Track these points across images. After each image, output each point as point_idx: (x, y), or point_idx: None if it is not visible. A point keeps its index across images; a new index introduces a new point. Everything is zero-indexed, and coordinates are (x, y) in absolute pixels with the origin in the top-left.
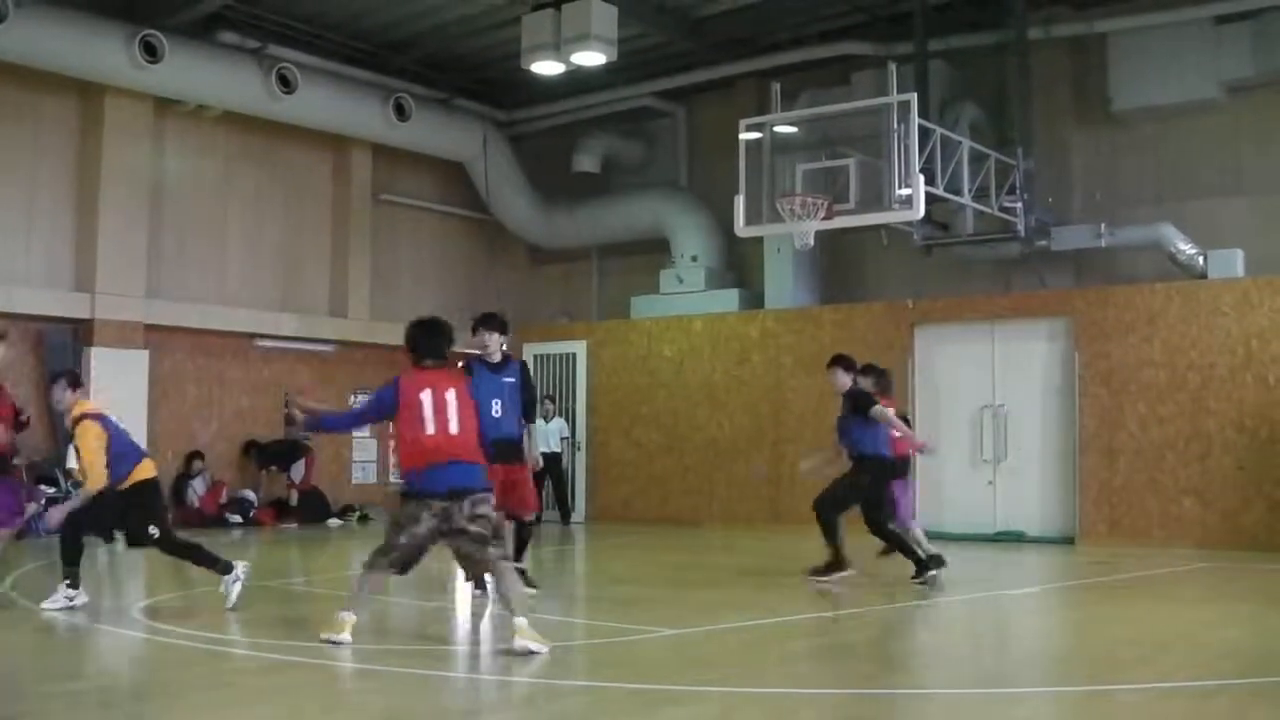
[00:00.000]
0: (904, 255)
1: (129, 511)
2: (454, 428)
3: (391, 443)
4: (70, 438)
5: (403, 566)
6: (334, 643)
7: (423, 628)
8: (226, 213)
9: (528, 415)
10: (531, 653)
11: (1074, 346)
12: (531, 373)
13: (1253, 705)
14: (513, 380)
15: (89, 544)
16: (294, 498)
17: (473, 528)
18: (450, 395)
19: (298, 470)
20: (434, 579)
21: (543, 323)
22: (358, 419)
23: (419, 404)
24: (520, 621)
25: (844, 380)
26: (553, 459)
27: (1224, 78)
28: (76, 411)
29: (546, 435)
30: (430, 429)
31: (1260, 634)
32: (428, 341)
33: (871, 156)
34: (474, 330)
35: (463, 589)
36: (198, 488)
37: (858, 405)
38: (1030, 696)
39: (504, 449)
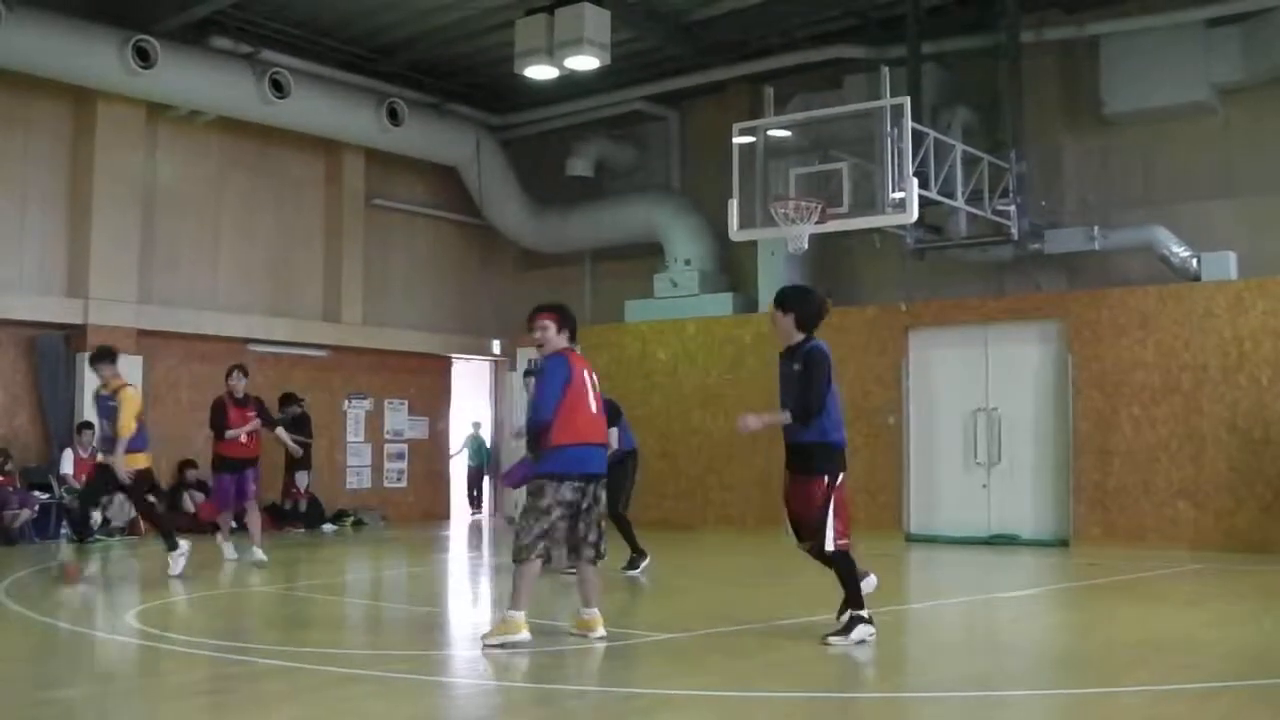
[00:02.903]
0: (897, 258)
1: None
2: (595, 409)
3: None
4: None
5: (547, 555)
6: (512, 644)
7: (418, 633)
8: (219, 218)
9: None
10: (600, 638)
11: (1067, 349)
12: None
13: (1252, 706)
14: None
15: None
16: (302, 505)
17: (596, 510)
18: (592, 378)
19: (303, 478)
20: (433, 582)
21: None
22: (552, 407)
23: (583, 383)
24: (595, 613)
25: None
26: None
27: (1215, 80)
28: (117, 384)
29: None
30: (592, 409)
31: (1257, 635)
32: (573, 323)
33: (864, 160)
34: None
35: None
36: (195, 495)
37: None
38: (1027, 699)
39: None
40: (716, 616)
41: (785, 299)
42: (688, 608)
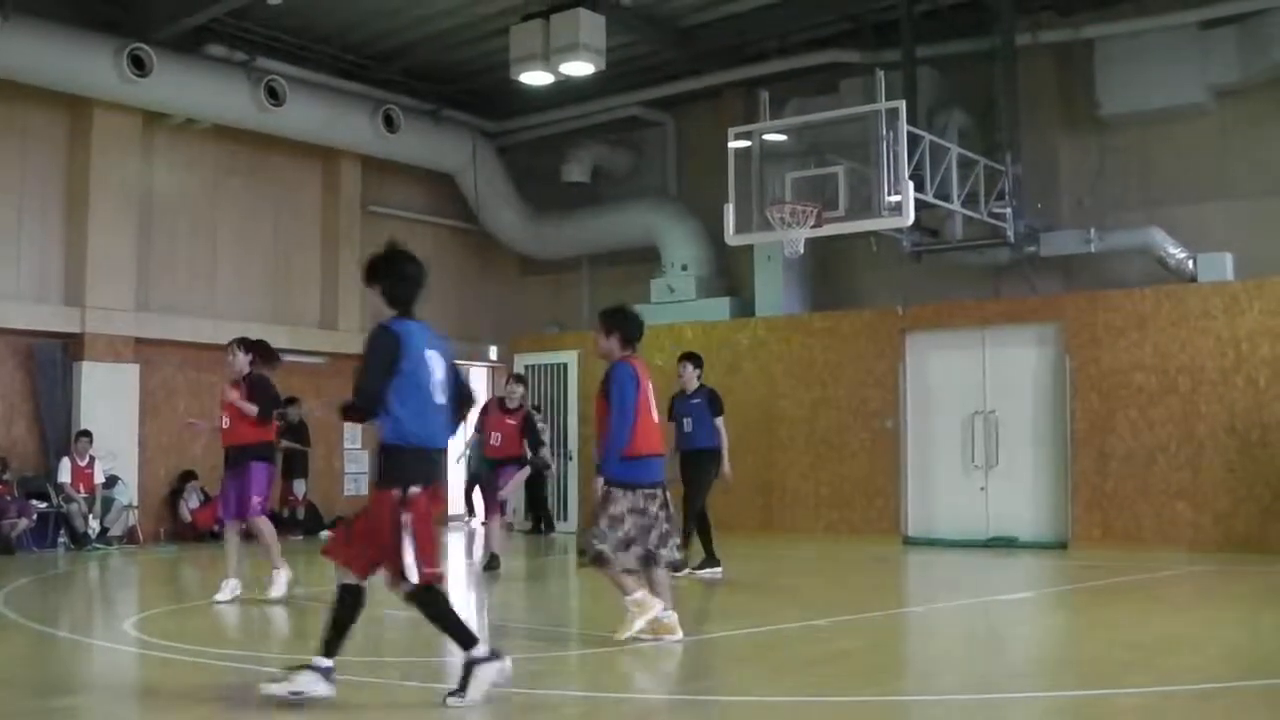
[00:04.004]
0: (894, 262)
1: None
2: (656, 418)
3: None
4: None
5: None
6: (653, 622)
7: (417, 640)
8: (216, 225)
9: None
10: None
11: (1064, 351)
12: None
13: (1252, 707)
14: (699, 401)
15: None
16: (300, 512)
17: (666, 515)
18: (650, 386)
19: (300, 486)
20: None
21: (533, 333)
22: (627, 419)
23: (647, 391)
24: (673, 615)
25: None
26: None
27: (1211, 82)
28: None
29: None
30: (655, 417)
31: (1256, 636)
32: (638, 330)
33: (860, 164)
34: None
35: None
36: (190, 502)
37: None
38: (1026, 701)
39: (687, 451)
40: (713, 621)
41: (611, 320)
42: (683, 612)
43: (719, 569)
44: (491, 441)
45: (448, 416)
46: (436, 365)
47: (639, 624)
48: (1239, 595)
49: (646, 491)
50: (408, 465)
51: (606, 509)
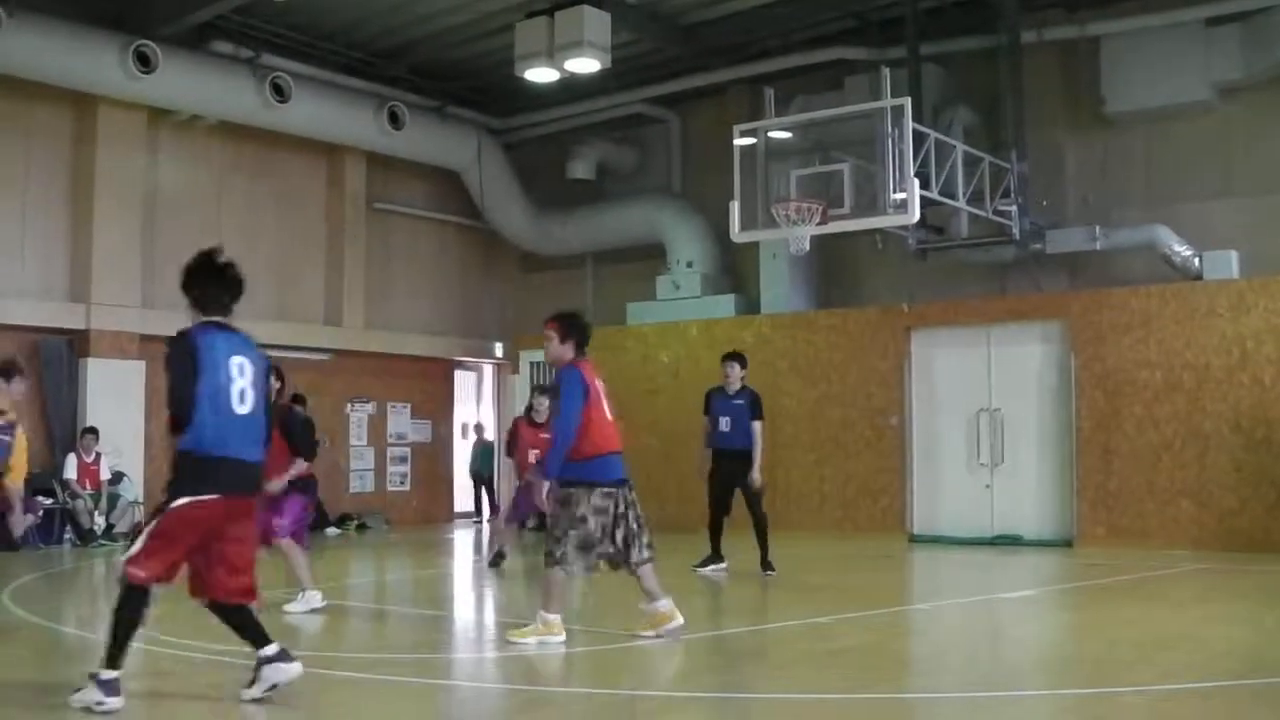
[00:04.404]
0: (899, 259)
1: None
2: (611, 417)
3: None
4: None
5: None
6: (547, 644)
7: (422, 636)
8: (221, 222)
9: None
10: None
11: (1069, 349)
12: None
13: (1254, 706)
14: (741, 403)
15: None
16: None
17: (634, 513)
18: (604, 387)
19: None
20: (437, 585)
21: (538, 330)
22: (573, 423)
23: (598, 393)
24: (667, 602)
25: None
26: None
27: (1216, 79)
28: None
29: None
30: (609, 416)
31: (1260, 634)
32: (587, 334)
33: (865, 161)
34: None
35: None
36: None
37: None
38: (1031, 699)
39: (723, 451)
40: (719, 618)
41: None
42: (690, 610)
43: (723, 565)
44: (529, 460)
45: (254, 426)
46: (241, 374)
47: (533, 640)
48: (1243, 593)
49: (605, 490)
50: (197, 474)
51: (569, 510)
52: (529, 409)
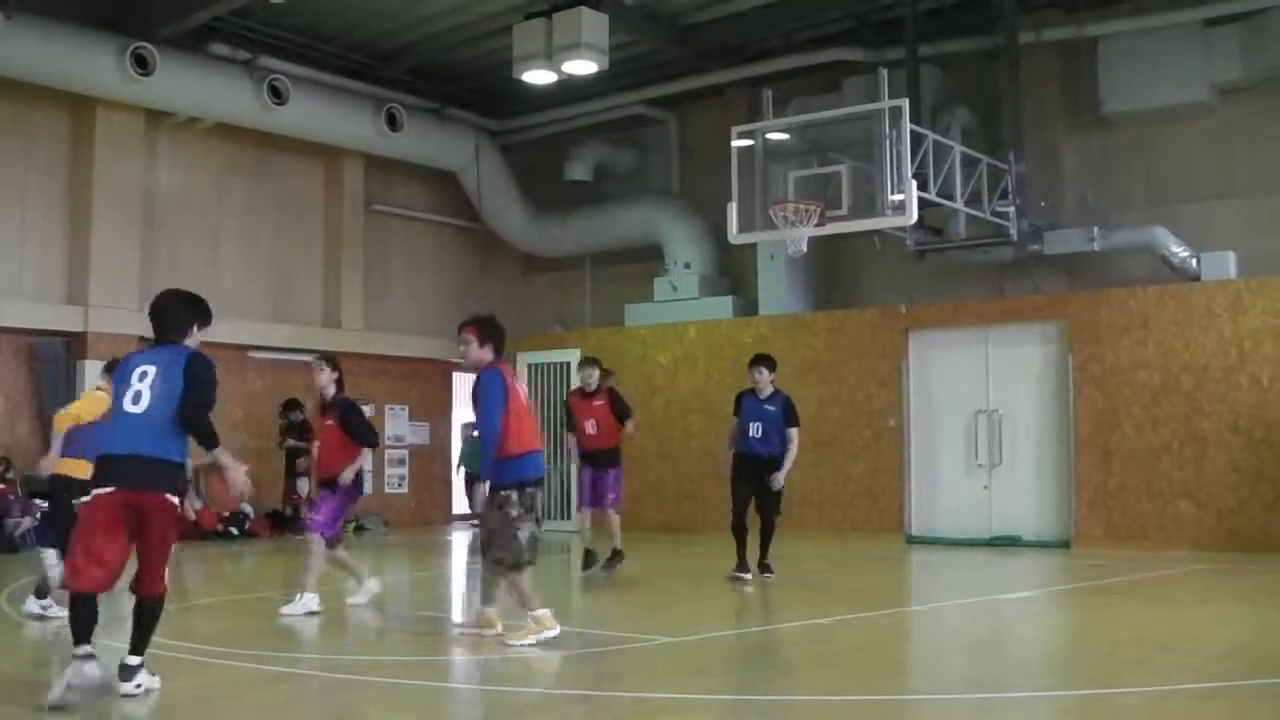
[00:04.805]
0: (897, 260)
1: None
2: (531, 416)
3: (473, 433)
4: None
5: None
6: (546, 641)
7: (420, 638)
8: (219, 224)
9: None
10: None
11: (1068, 350)
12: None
13: (1253, 706)
14: (774, 409)
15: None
16: (304, 511)
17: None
18: (521, 388)
19: (304, 485)
20: (430, 590)
21: (536, 332)
22: (495, 424)
23: (519, 392)
24: (495, 611)
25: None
26: None
27: (1214, 80)
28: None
29: None
30: (530, 416)
31: (1258, 635)
32: (498, 336)
33: (863, 162)
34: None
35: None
36: (194, 501)
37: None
38: (1029, 700)
39: (753, 457)
40: (719, 620)
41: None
42: (689, 611)
43: (748, 576)
44: (588, 431)
45: (139, 422)
46: (137, 377)
47: (532, 640)
48: (1242, 593)
49: (530, 488)
50: (96, 472)
51: (504, 512)
52: (580, 387)
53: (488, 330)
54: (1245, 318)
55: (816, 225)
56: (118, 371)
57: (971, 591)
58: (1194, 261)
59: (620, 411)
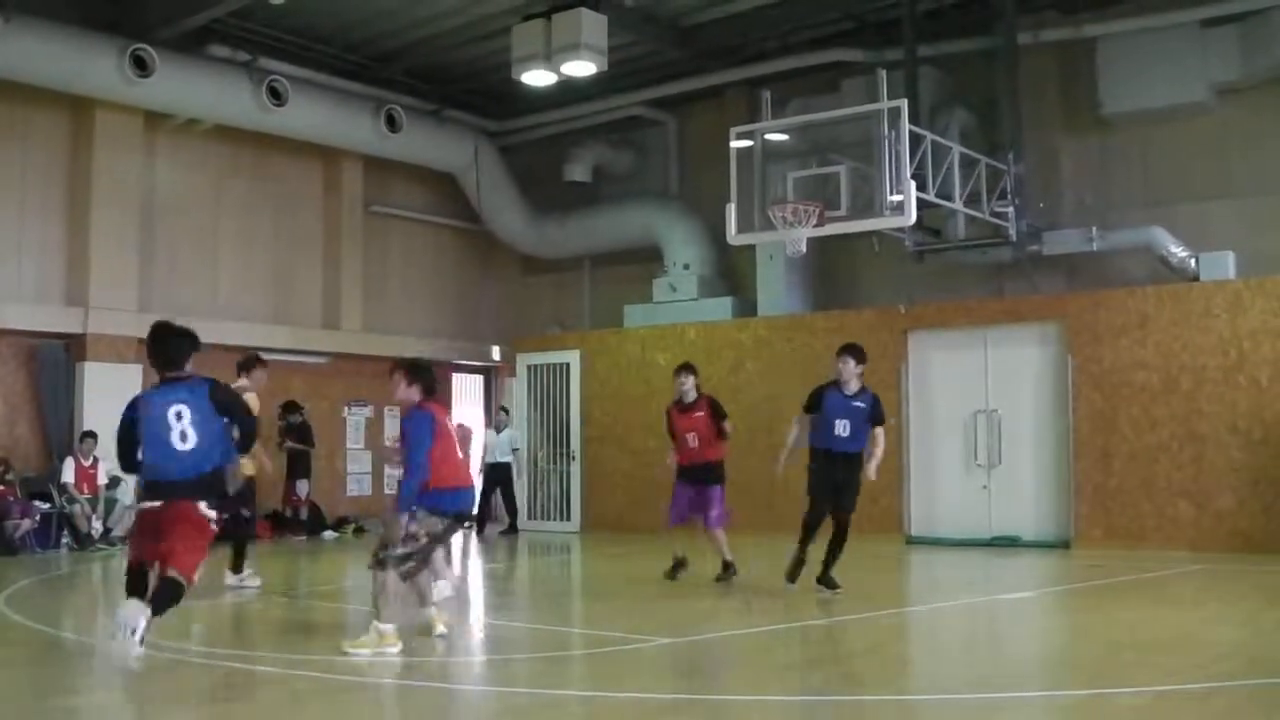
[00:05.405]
0: (896, 261)
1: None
2: (460, 455)
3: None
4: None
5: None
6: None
7: (419, 639)
8: (218, 226)
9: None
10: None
11: (1066, 350)
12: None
13: (1252, 706)
14: (863, 406)
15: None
16: (303, 512)
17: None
18: (453, 427)
19: (303, 486)
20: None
21: (535, 333)
22: (419, 460)
23: (449, 431)
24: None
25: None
26: (502, 469)
27: (1212, 80)
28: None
29: (498, 446)
30: (460, 454)
31: (1257, 635)
32: (426, 378)
33: (862, 163)
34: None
35: (454, 602)
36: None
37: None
38: (1029, 701)
39: (838, 456)
40: (719, 620)
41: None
42: (689, 612)
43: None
44: (689, 444)
45: (190, 457)
46: (174, 417)
47: (366, 653)
48: (1241, 594)
49: (451, 521)
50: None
51: (408, 528)
52: (677, 399)
53: (414, 373)
54: (1244, 318)
55: (815, 226)
56: (148, 414)
57: (971, 592)
58: (1192, 262)
59: (720, 427)
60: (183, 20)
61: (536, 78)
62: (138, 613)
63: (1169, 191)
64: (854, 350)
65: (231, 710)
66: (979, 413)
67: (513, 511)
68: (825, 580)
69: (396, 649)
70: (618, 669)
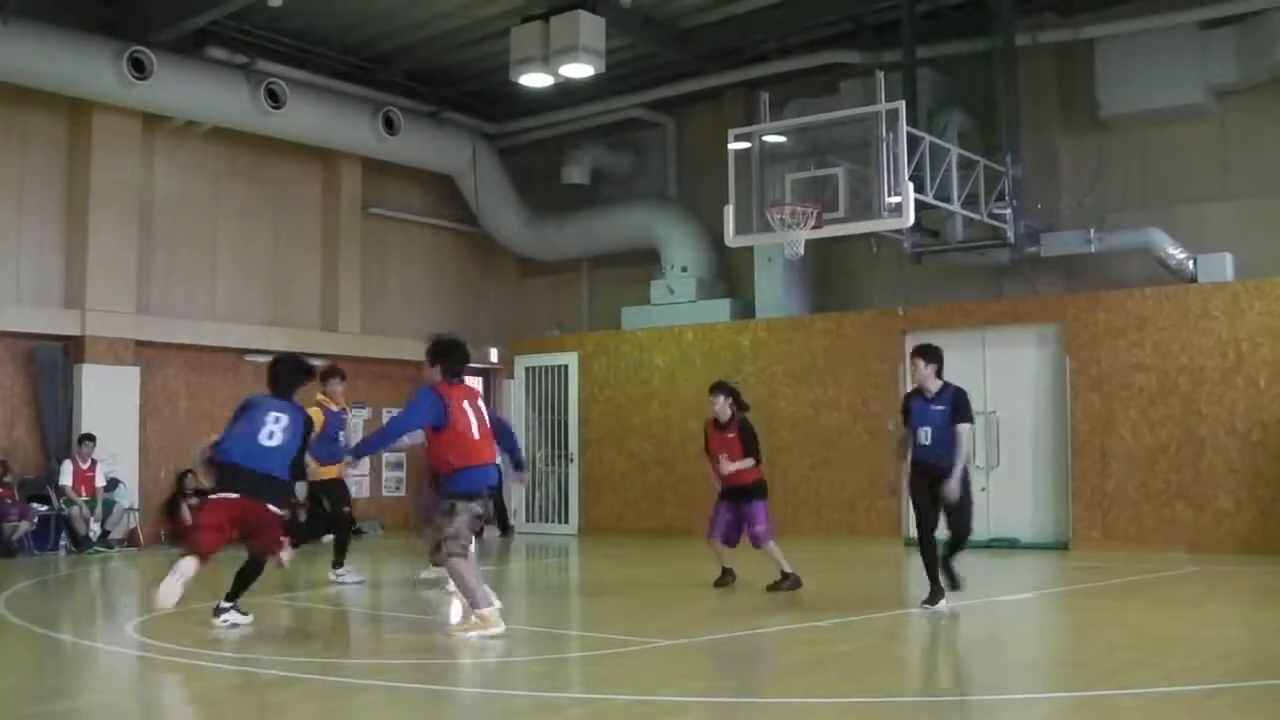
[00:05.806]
0: (894, 263)
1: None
2: (478, 435)
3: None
4: None
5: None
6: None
7: (419, 642)
8: (216, 228)
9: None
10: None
11: (1065, 352)
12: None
13: (1251, 707)
14: (942, 408)
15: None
16: (301, 514)
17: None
18: (470, 408)
19: (301, 488)
20: (429, 595)
21: (534, 335)
22: (397, 430)
23: (463, 410)
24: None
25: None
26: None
27: (1211, 82)
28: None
29: None
30: (476, 434)
31: (1256, 636)
32: (454, 359)
33: (860, 165)
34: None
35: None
36: (192, 504)
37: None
38: (1029, 702)
39: (928, 468)
40: (718, 623)
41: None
42: (689, 614)
43: (942, 599)
44: (723, 464)
45: (275, 453)
46: (272, 419)
47: (474, 635)
48: (1240, 595)
49: (477, 501)
50: (222, 477)
51: (450, 519)
52: (714, 416)
53: (435, 353)
54: (1242, 319)
55: (813, 228)
56: (253, 408)
57: (969, 593)
58: (1191, 263)
59: (748, 449)
60: (181, 22)
61: (534, 80)
62: (190, 565)
63: (1167, 193)
64: (922, 351)
65: (223, 713)
66: (977, 414)
67: (503, 516)
68: (938, 593)
69: (500, 629)
70: (616, 671)
